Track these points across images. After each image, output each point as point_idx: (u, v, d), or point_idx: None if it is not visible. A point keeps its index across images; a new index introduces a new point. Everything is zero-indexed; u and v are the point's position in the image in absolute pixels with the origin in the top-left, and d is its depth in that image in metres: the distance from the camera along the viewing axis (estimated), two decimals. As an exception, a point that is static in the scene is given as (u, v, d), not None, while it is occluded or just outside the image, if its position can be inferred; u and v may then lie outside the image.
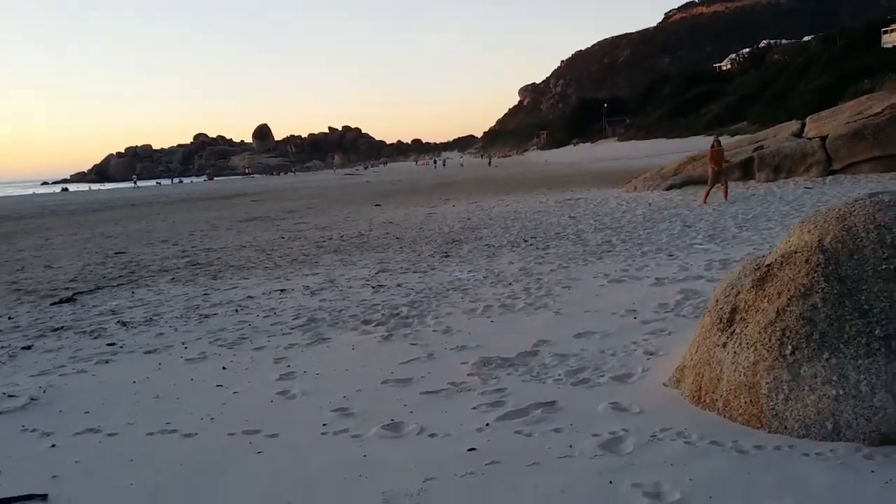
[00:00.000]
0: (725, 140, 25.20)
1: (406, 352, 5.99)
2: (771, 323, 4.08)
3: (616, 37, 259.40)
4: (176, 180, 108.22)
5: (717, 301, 4.71)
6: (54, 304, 9.66)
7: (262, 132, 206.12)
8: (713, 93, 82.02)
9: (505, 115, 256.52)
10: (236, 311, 8.38)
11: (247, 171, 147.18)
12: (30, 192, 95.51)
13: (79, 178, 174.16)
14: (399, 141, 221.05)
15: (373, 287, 9.32)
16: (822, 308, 3.98)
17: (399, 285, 9.36)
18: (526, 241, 13.12)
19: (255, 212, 28.33)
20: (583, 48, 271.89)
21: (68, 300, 9.85)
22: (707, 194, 17.03)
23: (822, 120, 20.15)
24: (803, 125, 20.80)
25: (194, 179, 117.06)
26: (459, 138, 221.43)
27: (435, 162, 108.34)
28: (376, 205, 27.07)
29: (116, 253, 16.10)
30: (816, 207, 13.26)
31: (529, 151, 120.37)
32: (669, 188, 20.60)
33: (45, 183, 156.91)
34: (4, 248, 19.07)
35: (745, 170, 20.45)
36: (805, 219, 4.85)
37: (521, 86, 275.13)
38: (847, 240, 4.29)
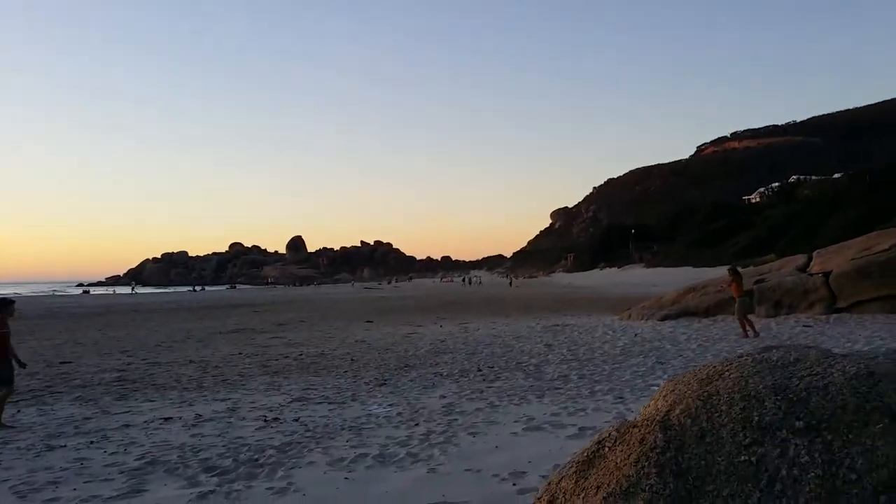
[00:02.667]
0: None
1: (204, 520, 4.78)
2: (577, 533, 2.86)
3: (649, 166, 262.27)
4: (199, 288, 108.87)
5: (549, 484, 3.50)
6: (-79, 422, 8.64)
7: (296, 244, 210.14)
8: (741, 224, 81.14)
9: (536, 236, 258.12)
10: (91, 443, 7.27)
11: (269, 280, 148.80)
12: (50, 292, 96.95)
13: (113, 281, 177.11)
14: (429, 257, 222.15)
15: (265, 421, 8.17)
16: (645, 516, 2.76)
17: (296, 419, 8.20)
18: (480, 370, 11.95)
19: (245, 323, 27.59)
20: (615, 176, 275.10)
21: (-59, 418, 8.83)
22: (751, 325, 15.04)
23: (828, 255, 18.80)
24: (810, 259, 19.50)
25: (218, 288, 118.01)
26: (488, 257, 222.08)
27: (463, 280, 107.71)
28: (368, 321, 26.13)
29: (62, 362, 15.27)
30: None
31: (556, 273, 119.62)
32: (664, 318, 19.25)
33: (80, 284, 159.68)
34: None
35: (746, 303, 19.03)
36: (675, 377, 3.69)
37: (554, 209, 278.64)
38: (701, 414, 3.10)
